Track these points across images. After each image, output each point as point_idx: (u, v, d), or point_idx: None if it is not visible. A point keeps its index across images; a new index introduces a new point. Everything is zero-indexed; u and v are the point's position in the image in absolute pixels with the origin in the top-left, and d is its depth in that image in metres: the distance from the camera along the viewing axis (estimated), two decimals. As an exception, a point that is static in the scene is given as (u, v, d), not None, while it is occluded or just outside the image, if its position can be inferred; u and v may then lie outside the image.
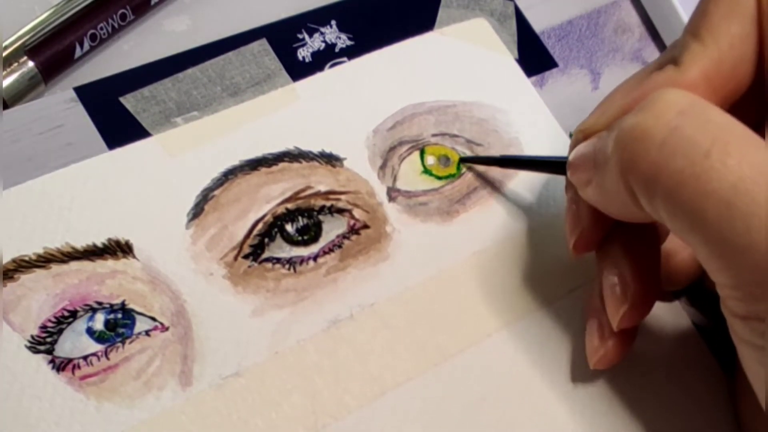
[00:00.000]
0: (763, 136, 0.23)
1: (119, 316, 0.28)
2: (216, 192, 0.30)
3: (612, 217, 0.27)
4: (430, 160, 0.32)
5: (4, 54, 0.31)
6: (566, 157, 0.28)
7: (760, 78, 0.26)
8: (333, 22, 0.35)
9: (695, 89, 0.25)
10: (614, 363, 0.28)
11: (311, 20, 0.35)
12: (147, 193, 0.30)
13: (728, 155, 0.22)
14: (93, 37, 0.33)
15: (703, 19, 0.25)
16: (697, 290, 0.31)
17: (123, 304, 0.28)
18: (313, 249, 0.30)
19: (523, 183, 0.32)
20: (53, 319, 0.27)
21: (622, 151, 0.23)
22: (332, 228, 0.30)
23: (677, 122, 0.22)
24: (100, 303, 0.28)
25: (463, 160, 0.32)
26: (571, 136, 0.34)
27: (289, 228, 0.30)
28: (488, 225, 0.32)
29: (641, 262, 0.27)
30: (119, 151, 0.30)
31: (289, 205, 0.30)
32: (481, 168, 0.33)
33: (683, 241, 0.23)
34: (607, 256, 0.28)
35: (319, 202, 0.31)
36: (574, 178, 0.27)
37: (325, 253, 0.30)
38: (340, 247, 0.30)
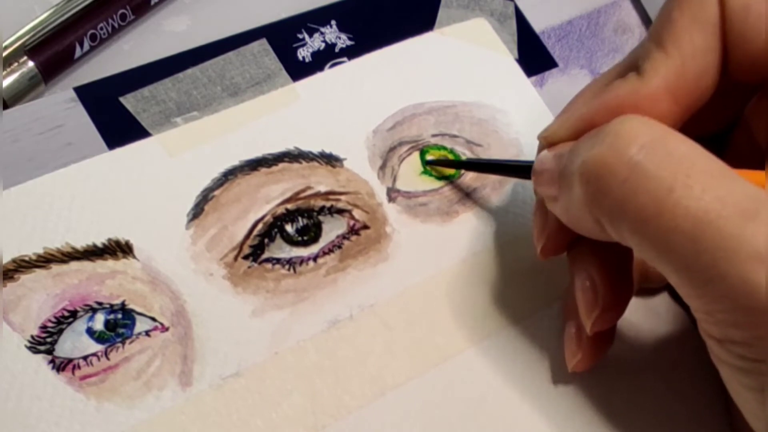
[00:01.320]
0: (723, 151, 0.22)
1: (119, 316, 0.28)
2: (216, 192, 0.30)
3: None
4: (430, 160, 0.32)
5: (4, 54, 0.31)
6: (533, 162, 0.27)
7: (722, 89, 0.26)
8: (333, 22, 0.35)
9: (657, 100, 0.25)
10: (592, 366, 0.28)
11: (311, 20, 0.35)
12: (147, 193, 0.30)
13: (692, 188, 0.22)
14: (93, 37, 0.33)
15: (667, 27, 0.25)
16: None
17: (123, 304, 0.28)
18: (313, 249, 0.30)
19: (523, 183, 0.32)
20: (53, 319, 0.27)
21: (586, 185, 0.23)
22: (332, 228, 0.30)
23: (638, 158, 0.22)
24: (100, 303, 0.28)
25: (429, 163, 0.32)
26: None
27: (289, 228, 0.30)
28: (488, 225, 0.32)
29: (611, 265, 0.27)
30: (119, 151, 0.30)
31: (289, 206, 0.30)
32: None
33: (648, 263, 0.23)
34: (577, 259, 0.28)
35: (319, 203, 0.31)
36: (540, 190, 0.27)
37: (324, 253, 0.30)
38: (339, 247, 0.30)
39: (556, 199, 0.26)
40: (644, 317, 0.31)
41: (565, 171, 0.25)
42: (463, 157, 0.33)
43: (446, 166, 0.32)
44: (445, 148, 0.33)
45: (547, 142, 0.27)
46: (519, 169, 0.29)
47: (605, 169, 0.23)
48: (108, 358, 0.27)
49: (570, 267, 0.28)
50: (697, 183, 0.22)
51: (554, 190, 0.26)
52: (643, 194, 0.22)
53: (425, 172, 0.32)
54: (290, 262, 0.29)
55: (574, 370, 0.28)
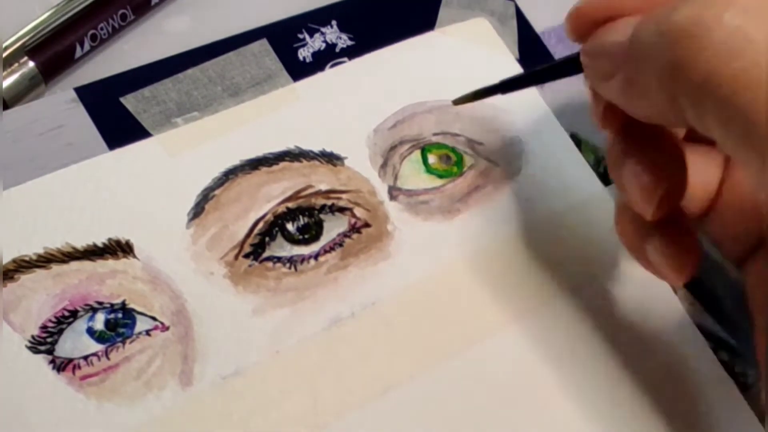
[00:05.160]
0: None
1: (119, 315, 0.28)
2: (216, 191, 0.30)
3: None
4: (432, 158, 0.32)
5: (5, 54, 0.31)
6: (575, 55, 0.25)
7: None
8: (333, 22, 0.35)
9: None
10: (695, 270, 0.26)
11: (312, 20, 0.35)
12: (147, 193, 0.30)
13: None
14: (93, 38, 0.33)
15: None
16: (699, 287, 0.31)
17: (123, 303, 0.28)
18: (314, 248, 0.30)
19: (525, 181, 0.32)
20: (53, 319, 0.27)
21: (673, 47, 0.21)
22: (333, 227, 0.30)
23: (740, 21, 0.20)
24: (100, 303, 0.28)
25: (456, 102, 0.31)
26: (572, 136, 0.34)
27: (290, 227, 0.30)
28: (490, 223, 0.32)
29: (669, 146, 0.25)
30: (120, 152, 0.30)
31: (290, 204, 0.30)
32: (482, 166, 0.32)
33: (732, 155, 0.21)
34: (632, 143, 0.25)
35: (320, 201, 0.30)
36: (590, 68, 0.24)
37: (326, 251, 0.30)
38: (341, 245, 0.30)
39: (613, 76, 0.23)
40: (654, 317, 0.31)
41: (638, 34, 0.22)
42: (465, 157, 0.33)
43: (484, 96, 0.30)
44: (446, 147, 0.33)
45: (589, 12, 0.24)
46: (564, 67, 0.27)
47: (700, 29, 0.20)
48: (108, 358, 0.27)
49: (621, 152, 0.26)
50: None
51: (614, 66, 0.23)
52: (740, 59, 0.20)
53: (427, 170, 0.32)
54: (291, 261, 0.29)
55: (679, 281, 0.27)
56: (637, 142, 0.25)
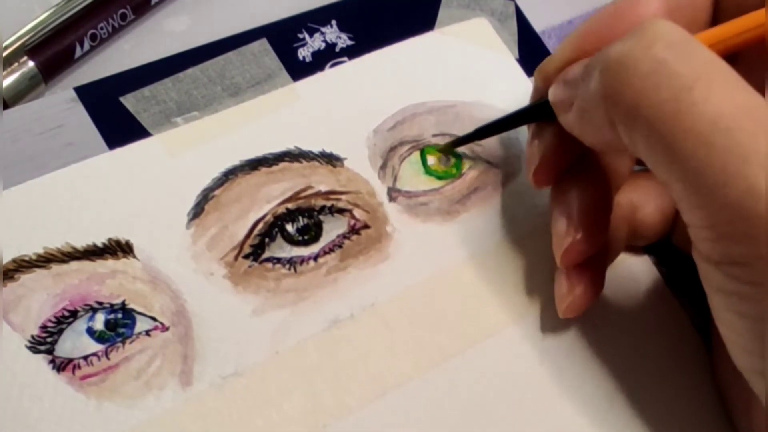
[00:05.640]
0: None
1: (119, 315, 0.28)
2: (216, 192, 0.30)
3: (572, 151, 0.28)
4: (431, 160, 0.32)
5: (5, 54, 0.31)
6: (542, 101, 0.28)
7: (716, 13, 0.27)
8: (333, 22, 0.35)
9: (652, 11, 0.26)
10: (582, 310, 0.29)
11: (312, 20, 0.35)
12: (147, 192, 0.30)
13: (711, 91, 0.22)
14: (93, 37, 0.33)
15: None
16: (666, 249, 0.32)
17: (123, 303, 0.28)
18: (314, 249, 0.30)
19: (524, 183, 0.32)
20: (53, 319, 0.27)
21: (607, 76, 0.24)
22: (333, 228, 0.30)
23: (664, 54, 0.23)
24: (100, 303, 0.28)
25: (453, 145, 0.32)
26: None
27: (290, 228, 0.30)
28: (489, 225, 0.32)
29: (590, 201, 0.28)
30: (119, 151, 0.30)
31: (290, 205, 0.30)
32: (481, 168, 0.33)
33: (658, 176, 0.23)
34: (560, 191, 0.29)
35: (320, 202, 0.31)
36: (555, 100, 0.27)
37: (325, 252, 0.30)
38: (340, 247, 0.30)
39: (571, 105, 0.26)
40: (647, 314, 0.31)
41: (587, 69, 0.25)
42: (464, 158, 0.33)
43: (462, 144, 0.32)
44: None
45: (552, 65, 0.28)
46: (534, 111, 0.30)
47: (629, 61, 0.23)
48: (108, 358, 0.27)
49: (551, 201, 0.29)
50: (718, 86, 0.22)
51: (572, 94, 0.26)
52: (665, 90, 0.22)
53: (426, 171, 0.32)
54: (291, 262, 0.29)
55: (565, 315, 0.29)
56: (561, 197, 0.29)
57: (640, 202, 0.30)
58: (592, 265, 0.29)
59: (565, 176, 0.29)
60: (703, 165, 0.22)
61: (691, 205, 0.23)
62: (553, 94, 0.27)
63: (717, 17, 0.27)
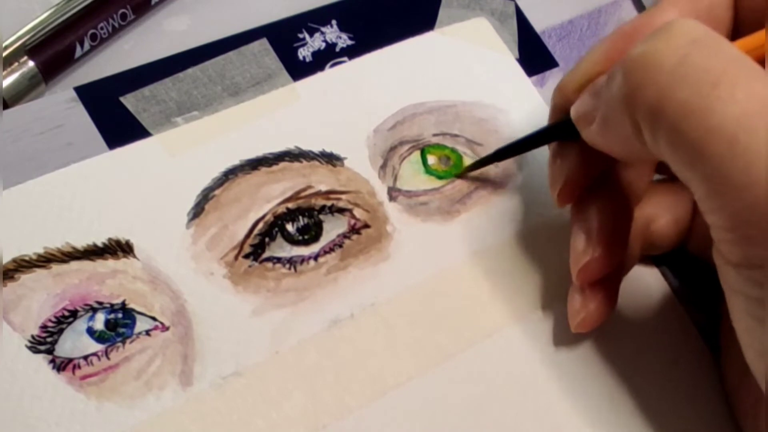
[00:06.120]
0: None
1: (119, 315, 0.28)
2: (216, 191, 0.30)
3: (595, 169, 0.28)
4: (431, 159, 0.32)
5: (5, 54, 0.31)
6: (564, 119, 0.28)
7: (736, 23, 0.27)
8: (333, 22, 0.35)
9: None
10: (595, 325, 0.29)
11: (312, 20, 0.35)
12: (147, 192, 0.30)
13: (736, 88, 0.21)
14: (93, 37, 0.33)
15: None
16: (680, 259, 0.31)
17: (123, 303, 0.28)
18: (314, 248, 0.30)
19: (524, 182, 0.32)
20: (53, 319, 0.27)
21: (630, 76, 0.23)
22: (333, 227, 0.30)
23: (688, 50, 0.22)
24: (100, 303, 0.28)
25: (459, 175, 0.32)
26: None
27: (290, 227, 0.30)
28: (489, 225, 0.32)
29: (610, 219, 0.28)
30: (120, 151, 0.30)
31: (290, 205, 0.30)
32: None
33: (681, 177, 0.23)
34: (580, 209, 0.28)
35: (320, 202, 0.30)
36: (577, 116, 0.26)
37: (325, 252, 0.30)
38: (340, 246, 0.30)
39: (593, 118, 0.25)
40: (647, 314, 0.31)
41: (610, 75, 0.24)
42: (464, 157, 0.33)
43: (481, 166, 0.32)
44: (446, 148, 0.33)
45: (573, 83, 0.27)
46: (555, 131, 0.29)
47: (653, 59, 0.22)
48: (108, 358, 0.27)
49: (571, 219, 0.29)
50: (744, 82, 0.21)
51: (594, 105, 0.25)
52: (689, 87, 0.22)
53: (426, 171, 0.32)
54: (291, 261, 0.29)
55: (577, 329, 0.29)
56: (581, 213, 0.28)
57: (655, 213, 0.30)
58: (607, 281, 0.29)
59: (586, 193, 0.29)
60: (727, 165, 0.21)
61: (712, 206, 0.22)
62: (576, 109, 0.27)
63: (737, 30, 0.27)
